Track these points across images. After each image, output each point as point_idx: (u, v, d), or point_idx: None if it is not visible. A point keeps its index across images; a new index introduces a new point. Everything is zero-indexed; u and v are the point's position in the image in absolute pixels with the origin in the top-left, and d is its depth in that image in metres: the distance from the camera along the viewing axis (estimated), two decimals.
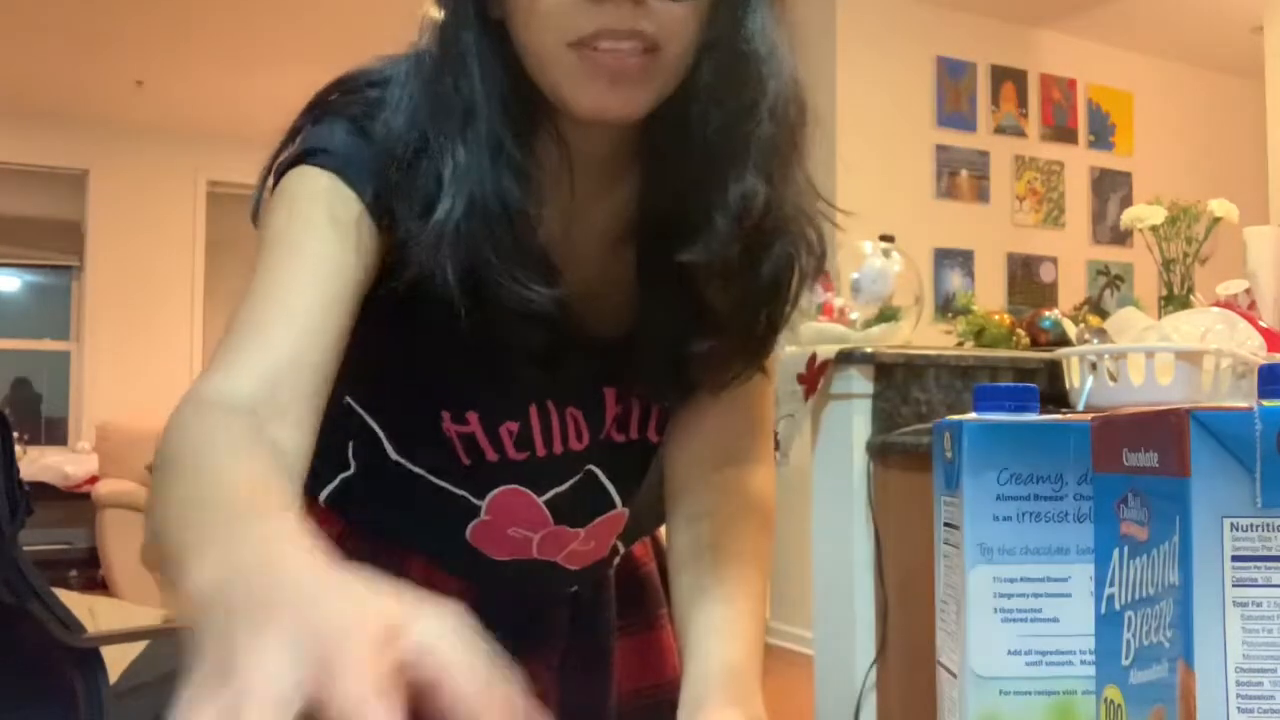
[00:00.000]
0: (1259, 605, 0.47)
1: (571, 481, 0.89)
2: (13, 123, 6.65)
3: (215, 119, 6.70)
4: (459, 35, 0.74)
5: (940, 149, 5.05)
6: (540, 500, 0.89)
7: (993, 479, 0.61)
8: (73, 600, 2.19)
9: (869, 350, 2.41)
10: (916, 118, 5.01)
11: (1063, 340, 2.55)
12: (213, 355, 0.69)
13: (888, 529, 2.36)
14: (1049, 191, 5.34)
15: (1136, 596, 0.52)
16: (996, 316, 2.75)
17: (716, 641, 0.79)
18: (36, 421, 7.23)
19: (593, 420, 0.88)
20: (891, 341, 2.54)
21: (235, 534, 0.47)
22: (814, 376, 2.43)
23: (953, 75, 5.10)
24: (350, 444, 0.90)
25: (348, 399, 0.87)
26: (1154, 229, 2.33)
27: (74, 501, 5.92)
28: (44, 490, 5.83)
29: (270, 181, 0.76)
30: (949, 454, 0.63)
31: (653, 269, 0.82)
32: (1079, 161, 5.46)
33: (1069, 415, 0.65)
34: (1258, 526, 0.47)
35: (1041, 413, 0.63)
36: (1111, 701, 0.54)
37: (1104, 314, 2.61)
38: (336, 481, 0.92)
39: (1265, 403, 0.48)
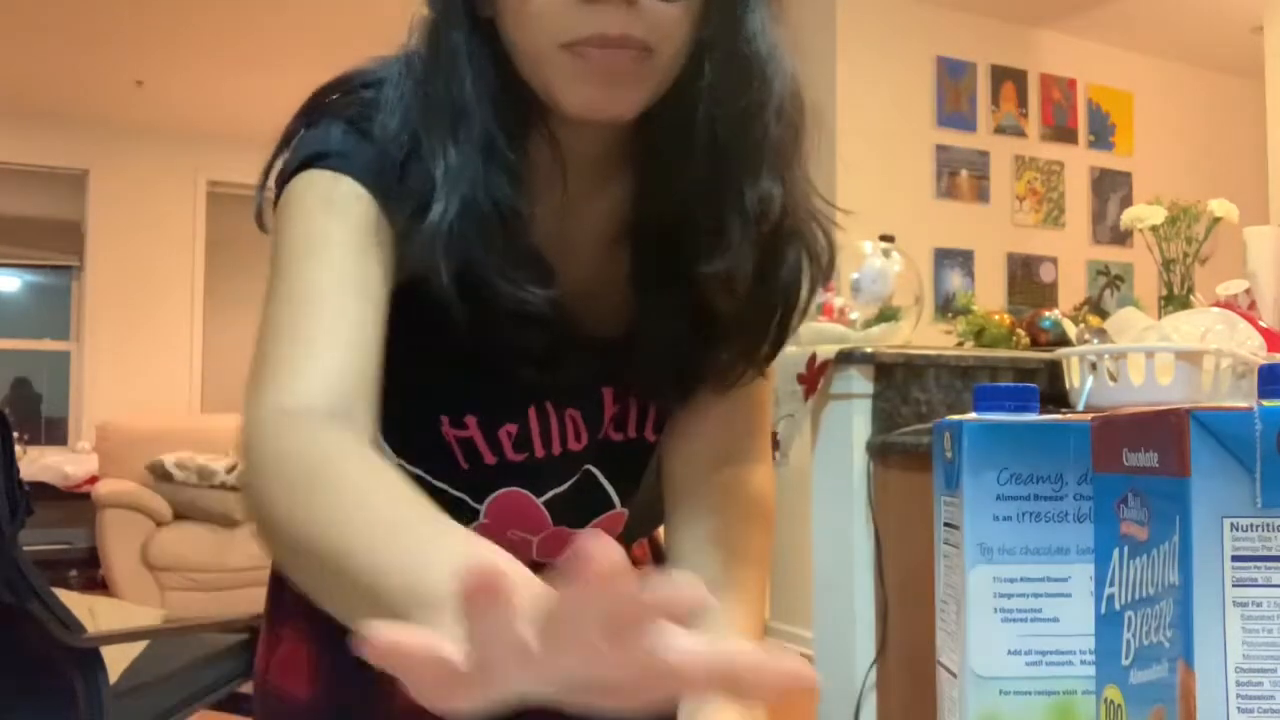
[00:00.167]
0: (1259, 605, 0.47)
1: (570, 482, 0.89)
2: (13, 123, 6.65)
3: (215, 119, 6.70)
4: (449, 35, 0.74)
5: (940, 149, 5.05)
6: (539, 502, 0.89)
7: (993, 479, 0.61)
8: (73, 600, 2.19)
9: (869, 350, 2.41)
10: (916, 118, 5.01)
11: (1063, 340, 2.55)
12: (259, 363, 0.67)
13: (888, 529, 2.36)
14: (1049, 191, 5.34)
15: (1136, 596, 0.52)
16: (996, 316, 2.75)
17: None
18: (36, 421, 7.23)
19: (591, 420, 0.88)
20: (891, 341, 2.55)
21: (445, 545, 0.51)
22: (814, 376, 2.43)
23: (953, 75, 5.10)
24: None
25: None
26: (1154, 229, 2.33)
27: (74, 501, 5.91)
28: (44, 490, 5.82)
29: (272, 185, 0.76)
30: (949, 454, 0.63)
31: (650, 270, 0.82)
32: (1079, 161, 5.46)
33: (1069, 415, 0.65)
34: (1258, 526, 0.47)
35: (1041, 413, 0.63)
36: (1111, 701, 0.54)
37: (1104, 314, 2.61)
38: None
39: (1265, 403, 0.48)
